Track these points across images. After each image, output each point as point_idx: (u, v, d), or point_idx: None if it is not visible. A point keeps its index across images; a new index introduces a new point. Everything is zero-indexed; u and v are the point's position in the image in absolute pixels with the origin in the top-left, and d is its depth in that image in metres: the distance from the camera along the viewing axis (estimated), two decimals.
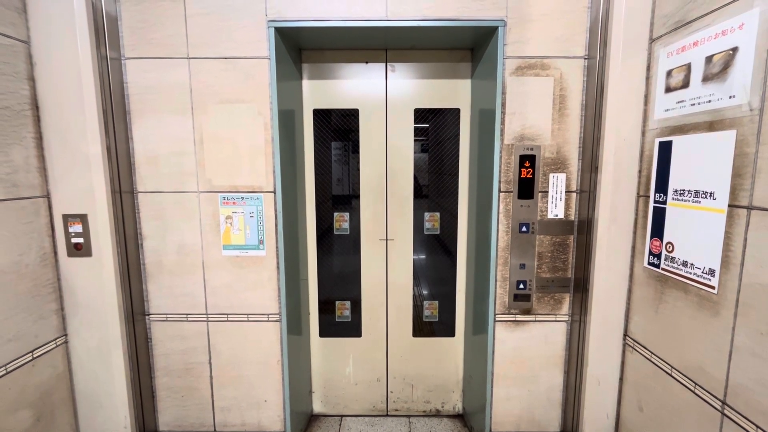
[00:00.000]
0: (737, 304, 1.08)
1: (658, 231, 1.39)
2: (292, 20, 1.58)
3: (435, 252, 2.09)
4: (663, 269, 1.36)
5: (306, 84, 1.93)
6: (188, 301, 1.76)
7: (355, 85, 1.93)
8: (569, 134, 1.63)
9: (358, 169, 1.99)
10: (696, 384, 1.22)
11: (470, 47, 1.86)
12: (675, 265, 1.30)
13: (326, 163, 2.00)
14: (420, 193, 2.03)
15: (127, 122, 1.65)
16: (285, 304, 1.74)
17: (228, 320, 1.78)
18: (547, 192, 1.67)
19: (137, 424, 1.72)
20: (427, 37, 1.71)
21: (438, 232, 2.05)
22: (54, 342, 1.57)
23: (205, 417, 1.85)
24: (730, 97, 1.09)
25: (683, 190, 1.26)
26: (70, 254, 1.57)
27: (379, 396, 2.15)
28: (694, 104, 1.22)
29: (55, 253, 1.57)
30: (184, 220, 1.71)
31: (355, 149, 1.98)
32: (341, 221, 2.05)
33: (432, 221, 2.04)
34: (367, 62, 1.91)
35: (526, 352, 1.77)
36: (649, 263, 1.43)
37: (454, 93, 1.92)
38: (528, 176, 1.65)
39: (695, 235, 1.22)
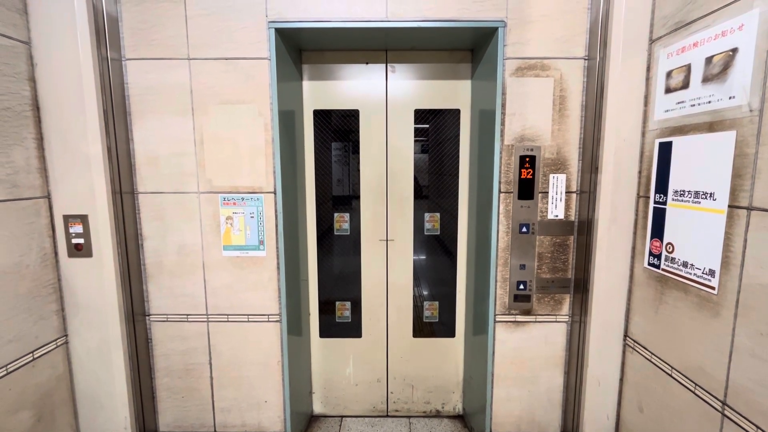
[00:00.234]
0: (737, 304, 1.08)
1: (658, 231, 1.39)
2: (292, 21, 1.58)
3: (435, 252, 2.09)
4: (663, 270, 1.36)
5: (306, 85, 1.93)
6: (188, 301, 1.76)
7: (355, 86, 1.93)
8: (569, 135, 1.64)
9: (359, 170, 2.00)
10: (696, 385, 1.22)
11: (470, 48, 1.86)
12: (675, 265, 1.30)
13: (326, 164, 2.00)
14: (420, 193, 2.03)
15: (128, 123, 1.65)
16: (285, 305, 1.74)
17: (228, 321, 1.78)
18: (547, 192, 1.67)
19: (137, 424, 1.72)
20: (428, 37, 1.71)
21: (438, 233, 2.05)
22: (54, 342, 1.57)
23: (206, 417, 1.85)
24: (730, 97, 1.10)
25: (683, 191, 1.27)
26: (70, 255, 1.57)
27: (379, 396, 2.15)
28: (694, 105, 1.23)
29: (56, 253, 1.57)
30: (185, 220, 1.71)
31: (356, 150, 1.98)
32: (341, 222, 2.05)
33: (432, 222, 2.05)
34: (367, 63, 1.91)
35: (526, 352, 1.77)
36: (649, 264, 1.43)
37: (454, 94, 1.92)
38: (528, 177, 1.65)
39: (695, 235, 1.22)
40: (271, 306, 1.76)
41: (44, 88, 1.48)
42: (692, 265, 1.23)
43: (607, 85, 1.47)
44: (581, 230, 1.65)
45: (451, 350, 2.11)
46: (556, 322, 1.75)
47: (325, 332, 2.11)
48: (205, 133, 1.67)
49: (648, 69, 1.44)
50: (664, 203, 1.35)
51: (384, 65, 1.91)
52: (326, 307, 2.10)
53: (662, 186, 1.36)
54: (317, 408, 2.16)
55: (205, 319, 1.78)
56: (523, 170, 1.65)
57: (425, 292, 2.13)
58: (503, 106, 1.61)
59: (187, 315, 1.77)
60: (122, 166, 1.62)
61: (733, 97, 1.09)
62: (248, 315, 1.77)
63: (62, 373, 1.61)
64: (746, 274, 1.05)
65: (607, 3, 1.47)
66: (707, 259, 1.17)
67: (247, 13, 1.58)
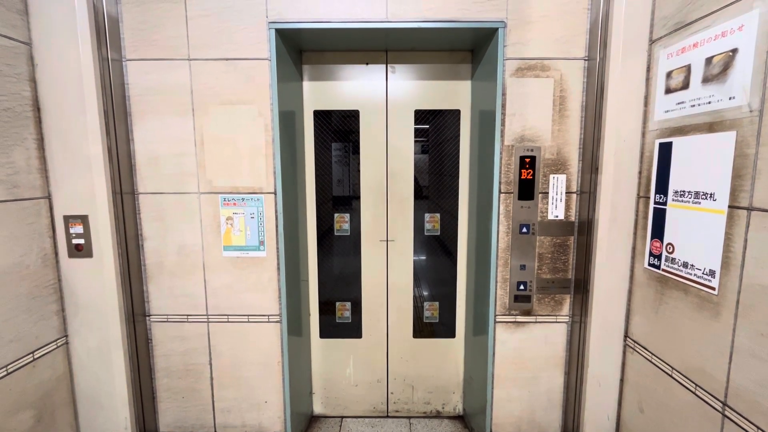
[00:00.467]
0: (737, 305, 1.08)
1: (658, 232, 1.39)
2: (292, 21, 1.58)
3: (435, 253, 2.09)
4: (663, 270, 1.36)
5: (306, 85, 1.93)
6: (189, 301, 1.76)
7: (355, 87, 1.93)
8: (569, 135, 1.64)
9: (359, 170, 2.00)
10: (697, 385, 1.22)
11: (470, 48, 1.86)
12: (675, 266, 1.30)
13: (327, 164, 2.00)
14: (420, 194, 2.03)
15: (128, 123, 1.65)
16: (285, 305, 1.74)
17: (228, 321, 1.78)
18: (548, 193, 1.67)
19: (137, 424, 1.72)
20: (428, 38, 1.71)
21: (438, 233, 2.06)
22: (55, 343, 1.57)
23: (206, 418, 1.85)
24: (730, 98, 1.10)
25: (683, 191, 1.27)
26: (71, 255, 1.57)
27: (379, 397, 2.15)
28: (694, 105, 1.23)
29: (56, 254, 1.57)
30: (185, 221, 1.71)
31: (356, 150, 1.98)
32: (342, 222, 2.05)
33: (432, 222, 2.05)
34: (367, 63, 1.91)
35: (526, 353, 1.77)
36: (649, 264, 1.43)
37: (454, 94, 1.92)
38: (528, 177, 1.65)
39: (695, 236, 1.22)
40: (271, 306, 1.76)
41: (45, 89, 1.48)
42: (692, 265, 1.23)
43: (607, 85, 1.47)
44: (581, 231, 1.65)
45: (452, 351, 2.11)
46: (556, 322, 1.75)
47: (325, 333, 2.11)
48: (206, 134, 1.67)
49: (648, 69, 1.44)
50: (665, 204, 1.35)
51: (384, 66, 1.91)
52: (326, 308, 2.10)
53: (662, 186, 1.36)
54: (317, 408, 2.16)
55: (206, 320, 1.78)
56: (523, 171, 1.65)
57: (425, 293, 2.13)
58: (503, 106, 1.61)
59: (188, 315, 1.77)
60: (122, 167, 1.62)
61: (733, 97, 1.09)
62: (248, 315, 1.77)
63: (62, 374, 1.61)
64: (746, 274, 1.05)
65: (607, 3, 1.47)
66: (707, 259, 1.17)
67: (248, 13, 1.59)
